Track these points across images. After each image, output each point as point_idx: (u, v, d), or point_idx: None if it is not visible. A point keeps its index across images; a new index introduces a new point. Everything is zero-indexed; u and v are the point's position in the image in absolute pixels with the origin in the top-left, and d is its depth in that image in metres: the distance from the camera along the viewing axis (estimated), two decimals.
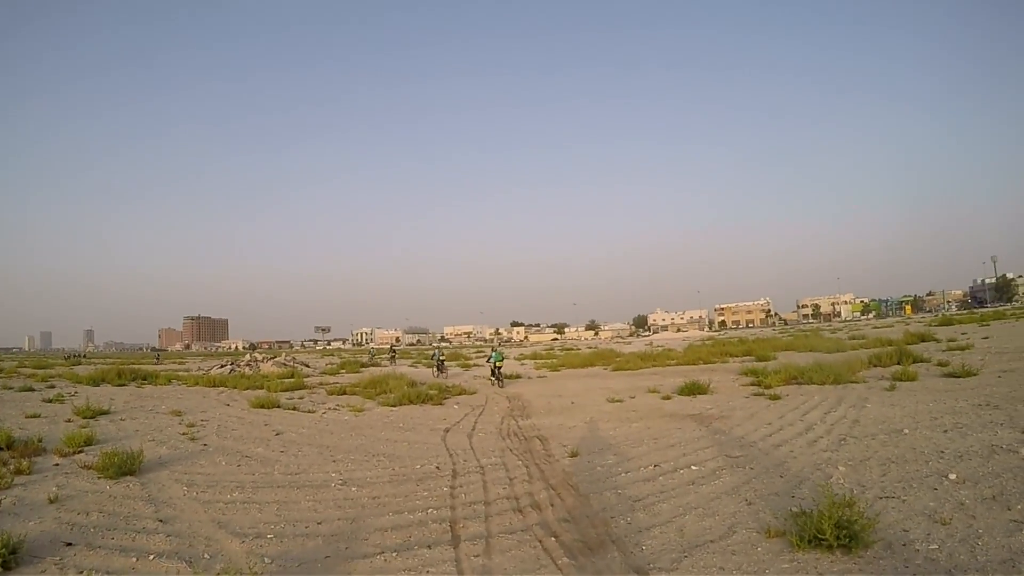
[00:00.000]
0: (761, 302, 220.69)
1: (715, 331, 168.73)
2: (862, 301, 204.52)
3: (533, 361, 54.64)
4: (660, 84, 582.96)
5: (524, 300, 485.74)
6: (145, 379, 39.30)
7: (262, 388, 30.80)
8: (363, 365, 55.28)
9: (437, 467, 12.07)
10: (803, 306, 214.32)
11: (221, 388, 33.77)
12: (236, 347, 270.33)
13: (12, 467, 11.83)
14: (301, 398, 26.63)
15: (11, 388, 32.61)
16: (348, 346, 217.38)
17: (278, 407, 22.72)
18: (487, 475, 11.22)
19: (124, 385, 35.72)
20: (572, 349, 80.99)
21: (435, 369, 40.63)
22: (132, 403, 25.31)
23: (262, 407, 22.64)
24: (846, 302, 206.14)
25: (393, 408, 22.30)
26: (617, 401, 21.22)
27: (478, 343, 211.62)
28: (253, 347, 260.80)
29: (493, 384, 30.57)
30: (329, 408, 22.70)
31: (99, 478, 11.16)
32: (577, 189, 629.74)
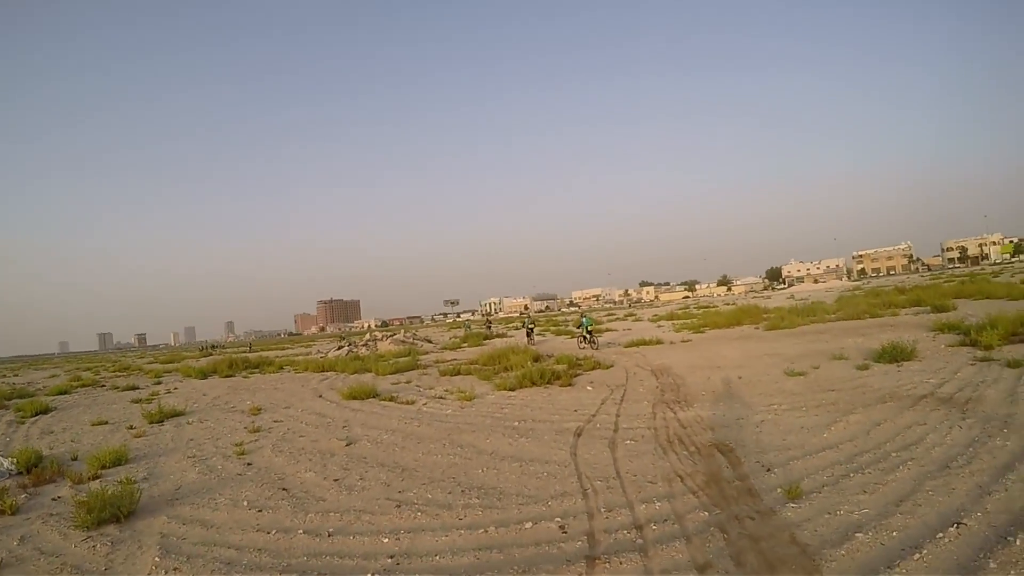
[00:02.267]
0: (902, 247, 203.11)
1: (856, 280, 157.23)
2: (1011, 241, 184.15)
3: (671, 322, 49.58)
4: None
5: (652, 259, 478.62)
6: (257, 367, 38.92)
7: (370, 371, 28.78)
8: (486, 338, 51.74)
9: (560, 526, 7.10)
10: (948, 249, 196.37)
11: (330, 372, 32.00)
12: (368, 326, 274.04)
13: (1, 503, 9.82)
14: (408, 382, 23.31)
15: (117, 388, 32.52)
16: (476, 318, 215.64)
17: (375, 396, 19.63)
18: (652, 555, 6.14)
19: (232, 376, 34.96)
20: (709, 307, 74.84)
21: (535, 342, 41.08)
22: (222, 398, 23.81)
23: (354, 398, 19.58)
24: (995, 243, 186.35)
25: (511, 393, 17.88)
26: (799, 375, 15.99)
27: (607, 306, 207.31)
28: (384, 325, 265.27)
29: (583, 347, 31.65)
30: (433, 396, 18.74)
31: (74, 528, 8.58)
32: (697, 138, 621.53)
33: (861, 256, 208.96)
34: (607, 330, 47.99)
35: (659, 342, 30.47)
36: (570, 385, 18.26)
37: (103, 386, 35.04)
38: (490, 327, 66.39)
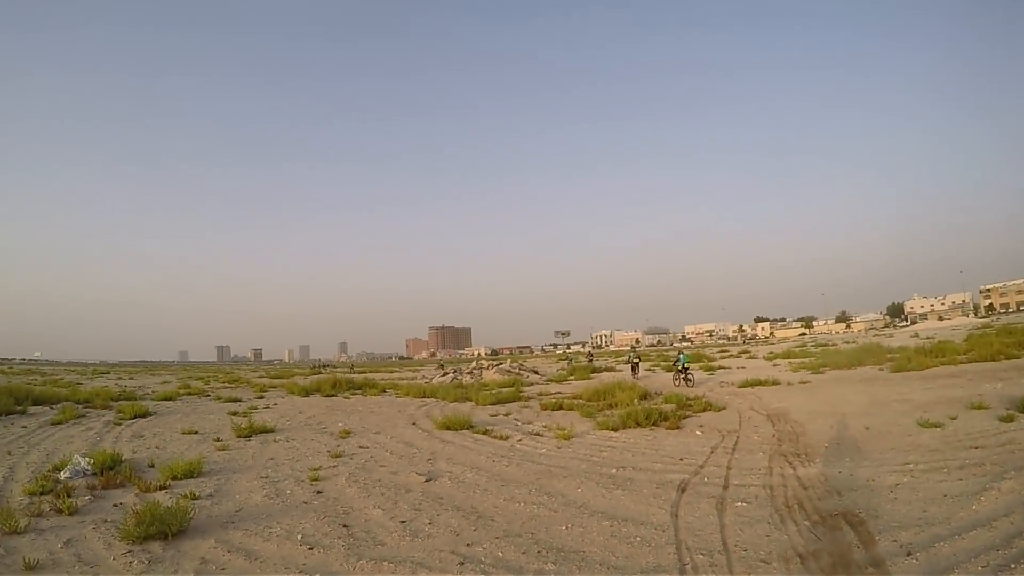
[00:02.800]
0: None
1: (984, 316, 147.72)
2: None
3: (787, 361, 47.15)
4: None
5: (767, 293, 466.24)
6: (359, 389, 38.67)
7: (470, 400, 28.03)
8: (593, 371, 50.51)
9: None
10: None
11: (430, 399, 31.31)
12: (478, 354, 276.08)
13: (62, 503, 9.86)
14: (507, 414, 22.40)
15: (220, 398, 32.82)
16: (587, 349, 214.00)
17: (469, 428, 18.68)
18: None
19: (334, 396, 34.80)
20: (827, 345, 71.46)
21: (631, 370, 42.02)
22: (317, 417, 23.52)
23: (448, 428, 18.71)
24: None
25: (613, 433, 16.69)
26: (934, 427, 14.08)
27: (721, 341, 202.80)
28: (495, 353, 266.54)
29: (677, 384, 31.82)
30: (530, 432, 17.72)
31: (120, 539, 8.28)
32: (812, 165, 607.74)
33: (989, 290, 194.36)
34: (720, 368, 45.84)
35: (775, 382, 28.47)
36: (678, 428, 16.99)
37: (208, 396, 35.51)
38: (591, 360, 67.52)
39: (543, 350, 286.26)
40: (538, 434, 17.21)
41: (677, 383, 32.20)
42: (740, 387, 28.02)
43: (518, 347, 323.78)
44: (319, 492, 11.06)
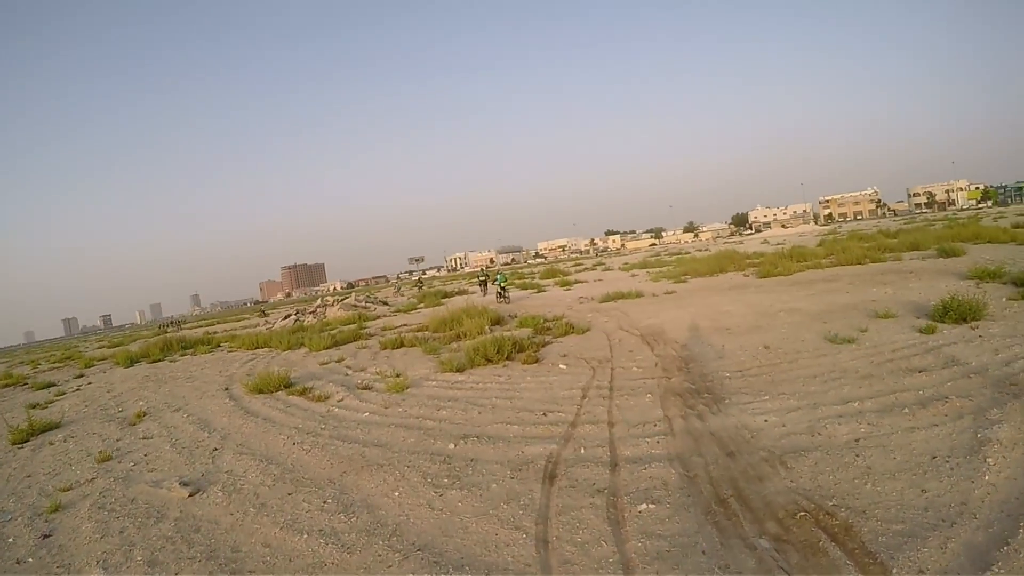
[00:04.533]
0: (868, 192, 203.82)
1: (825, 225, 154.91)
2: (978, 187, 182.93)
3: (645, 271, 45.56)
4: None
5: (617, 207, 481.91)
6: (190, 348, 35.03)
7: (303, 346, 25.52)
8: (444, 296, 48.51)
9: None
10: (915, 195, 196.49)
11: (264, 348, 28.38)
12: (334, 288, 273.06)
13: None
14: (339, 360, 19.43)
15: (36, 386, 27.27)
16: (443, 273, 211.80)
17: (286, 387, 15.59)
18: None
19: (159, 361, 30.73)
20: (680, 254, 71.01)
21: (490, 293, 41.85)
22: (124, 395, 19.69)
23: (260, 391, 15.60)
24: (961, 189, 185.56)
25: (458, 376, 13.72)
26: (847, 342, 11.51)
27: (574, 256, 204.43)
28: (350, 286, 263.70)
29: (500, 301, 33.78)
30: (358, 384, 14.53)
31: None
32: (666, 88, 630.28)
33: (828, 201, 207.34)
34: (576, 282, 43.88)
35: (639, 295, 26.25)
36: (536, 361, 14.05)
37: (26, 384, 29.76)
38: (421, 286, 73.16)
39: (398, 278, 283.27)
40: (367, 387, 14.06)
41: (500, 300, 34.13)
42: (602, 302, 25.83)
43: (373, 278, 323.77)
44: (46, 536, 7.71)
